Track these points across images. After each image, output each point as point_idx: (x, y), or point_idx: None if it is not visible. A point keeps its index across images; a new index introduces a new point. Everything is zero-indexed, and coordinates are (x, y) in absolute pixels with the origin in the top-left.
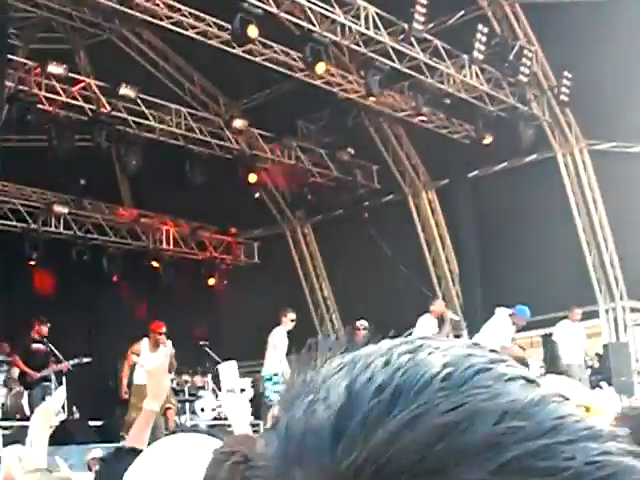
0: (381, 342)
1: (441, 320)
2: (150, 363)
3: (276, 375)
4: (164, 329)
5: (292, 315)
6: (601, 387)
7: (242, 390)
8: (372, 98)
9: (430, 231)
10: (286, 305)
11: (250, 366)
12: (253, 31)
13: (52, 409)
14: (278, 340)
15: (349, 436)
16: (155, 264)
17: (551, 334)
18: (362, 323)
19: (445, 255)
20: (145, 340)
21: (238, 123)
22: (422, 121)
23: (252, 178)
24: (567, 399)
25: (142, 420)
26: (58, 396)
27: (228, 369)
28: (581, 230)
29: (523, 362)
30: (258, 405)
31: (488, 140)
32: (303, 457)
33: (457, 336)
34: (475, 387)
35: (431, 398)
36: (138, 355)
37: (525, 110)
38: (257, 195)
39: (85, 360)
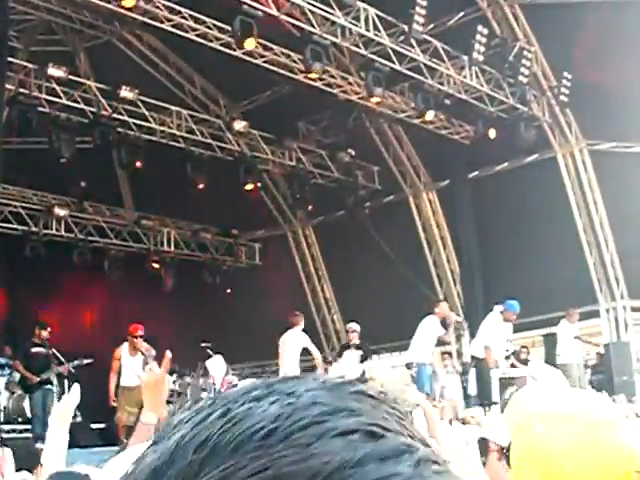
0: (249, 383)
1: (444, 322)
2: (133, 368)
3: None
4: (141, 332)
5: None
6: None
7: (234, 385)
8: (373, 99)
9: (431, 231)
10: (289, 306)
11: (250, 367)
12: (251, 43)
13: (70, 407)
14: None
15: None
16: (156, 266)
17: (554, 334)
18: (351, 326)
19: (446, 255)
20: (125, 344)
21: (239, 125)
22: (422, 122)
23: (249, 186)
24: (415, 448)
25: (138, 434)
26: (74, 394)
27: (216, 364)
28: (582, 230)
29: (523, 360)
30: None
31: (493, 135)
32: None
33: (458, 337)
34: (291, 446)
35: (240, 460)
36: (119, 360)
37: (525, 111)
38: (256, 198)
39: (86, 361)
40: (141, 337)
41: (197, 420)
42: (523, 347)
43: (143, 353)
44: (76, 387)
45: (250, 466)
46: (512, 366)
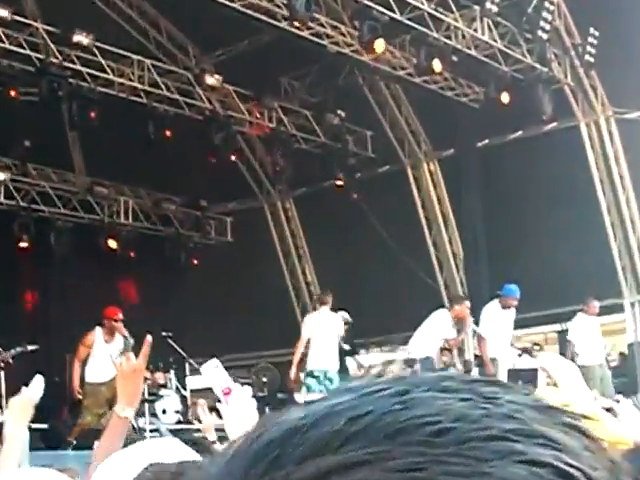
0: (446, 373)
1: (459, 324)
2: (111, 354)
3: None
4: (120, 315)
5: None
6: (618, 400)
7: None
8: (369, 53)
9: (431, 208)
10: (265, 290)
11: (220, 361)
12: None
13: (29, 402)
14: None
15: None
16: (110, 241)
17: (566, 330)
18: (342, 316)
19: (448, 236)
20: (98, 329)
21: (210, 78)
22: (425, 81)
23: (221, 151)
24: None
25: (113, 430)
26: (36, 386)
27: (213, 370)
28: (605, 210)
29: (527, 351)
30: None
31: (506, 99)
32: None
33: (459, 331)
34: (462, 455)
35: (394, 449)
36: (90, 347)
37: (544, 71)
38: (229, 164)
39: (30, 348)
40: (121, 321)
41: (366, 391)
42: (535, 344)
43: (127, 338)
44: (39, 379)
45: (402, 460)
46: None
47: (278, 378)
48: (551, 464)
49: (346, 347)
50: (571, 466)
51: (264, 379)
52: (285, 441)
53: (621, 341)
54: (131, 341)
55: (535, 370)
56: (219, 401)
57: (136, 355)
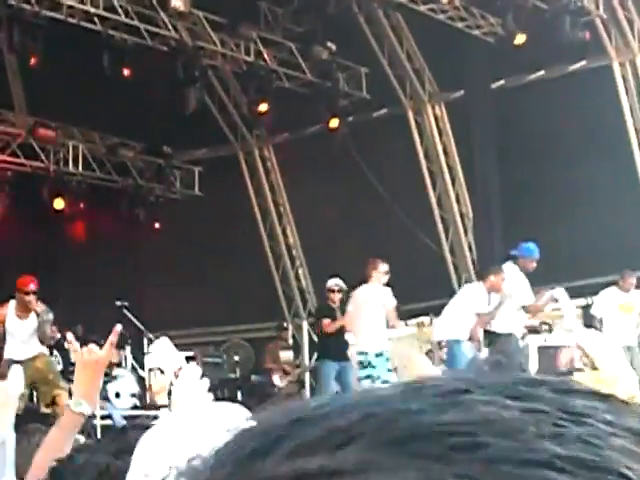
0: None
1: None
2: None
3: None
4: (33, 286)
5: (384, 267)
6: None
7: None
8: None
9: (436, 160)
10: (239, 254)
11: (185, 336)
12: None
13: (10, 392)
14: (374, 303)
15: None
16: (57, 192)
17: (589, 305)
18: (337, 283)
19: (455, 193)
20: (12, 302)
21: (177, 2)
22: (431, 9)
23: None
24: None
25: (65, 426)
26: (14, 377)
27: (164, 348)
28: None
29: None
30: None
31: (521, 39)
32: None
33: None
34: (497, 473)
35: (399, 460)
36: (2, 323)
37: (572, 1)
38: (198, 104)
39: None
40: (34, 294)
41: (418, 386)
42: (543, 323)
43: (38, 315)
44: (17, 370)
45: (400, 474)
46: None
47: (252, 357)
48: None
49: None
50: None
51: (236, 358)
52: (278, 433)
53: None
54: (49, 316)
55: (557, 348)
56: (172, 383)
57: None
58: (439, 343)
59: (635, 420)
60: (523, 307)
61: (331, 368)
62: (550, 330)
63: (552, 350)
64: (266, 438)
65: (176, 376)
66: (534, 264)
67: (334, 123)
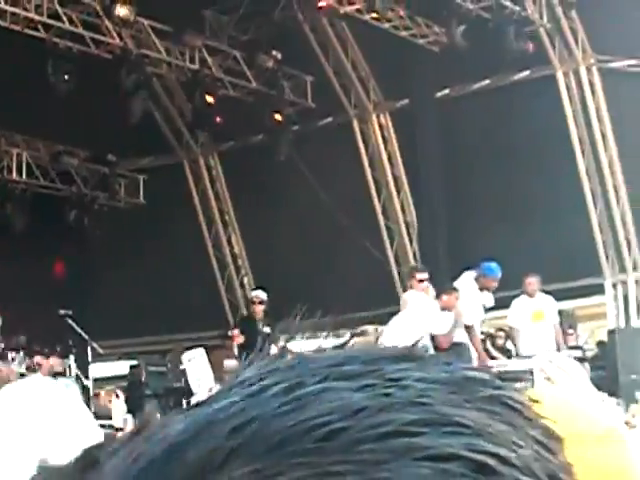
0: (358, 347)
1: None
2: None
3: None
4: None
5: (423, 275)
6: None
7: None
8: None
9: (381, 168)
10: (184, 262)
11: (129, 345)
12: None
13: None
14: (413, 310)
15: None
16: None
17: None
18: (257, 295)
19: (400, 202)
20: None
21: (122, 10)
22: (376, 19)
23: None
24: None
25: None
26: None
27: (200, 358)
28: (584, 173)
29: (500, 347)
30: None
31: (464, 48)
32: None
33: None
34: (353, 460)
35: (278, 462)
36: None
37: (516, 10)
38: (143, 112)
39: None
40: None
41: (253, 389)
42: (500, 330)
43: None
44: None
45: (287, 475)
46: (490, 357)
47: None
48: (460, 455)
49: (266, 330)
50: (485, 453)
51: (181, 367)
52: (163, 464)
53: (600, 327)
54: None
55: (529, 372)
56: (191, 394)
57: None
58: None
59: (436, 369)
60: (466, 327)
61: None
62: (508, 336)
63: (511, 375)
64: (152, 470)
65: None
66: (495, 284)
67: (278, 116)
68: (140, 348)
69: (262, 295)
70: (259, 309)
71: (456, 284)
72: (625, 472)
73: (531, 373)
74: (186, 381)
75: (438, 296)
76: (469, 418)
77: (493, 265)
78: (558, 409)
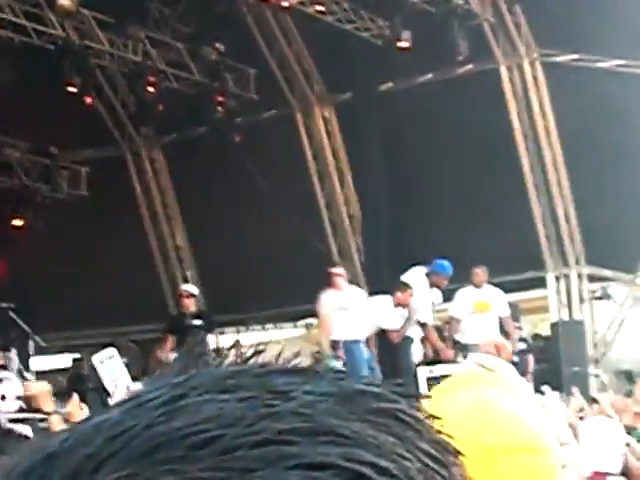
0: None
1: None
2: None
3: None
4: None
5: (337, 270)
6: (542, 392)
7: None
8: None
9: (324, 161)
10: (126, 256)
11: (73, 338)
12: None
13: None
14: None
15: None
16: None
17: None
18: (187, 289)
19: (343, 195)
20: None
21: (65, 1)
22: (319, 12)
23: (76, 87)
24: None
25: None
26: None
27: (108, 360)
28: (527, 168)
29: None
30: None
31: (407, 42)
32: None
33: None
34: (225, 467)
35: (146, 469)
36: None
37: (460, 4)
38: (85, 104)
39: None
40: None
41: (137, 401)
42: (447, 323)
43: None
44: None
45: (168, 478)
46: (435, 352)
47: (140, 360)
48: (335, 464)
49: (196, 323)
50: (363, 463)
51: (124, 360)
52: (39, 471)
53: (543, 320)
54: None
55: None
56: (108, 395)
57: None
58: (336, 342)
59: (327, 383)
60: (421, 324)
61: None
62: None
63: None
64: (29, 477)
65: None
66: (446, 282)
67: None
68: (82, 341)
69: (192, 289)
70: (188, 302)
71: (405, 278)
72: None
73: None
74: (100, 382)
75: (392, 293)
76: (350, 429)
77: (445, 263)
78: (484, 417)
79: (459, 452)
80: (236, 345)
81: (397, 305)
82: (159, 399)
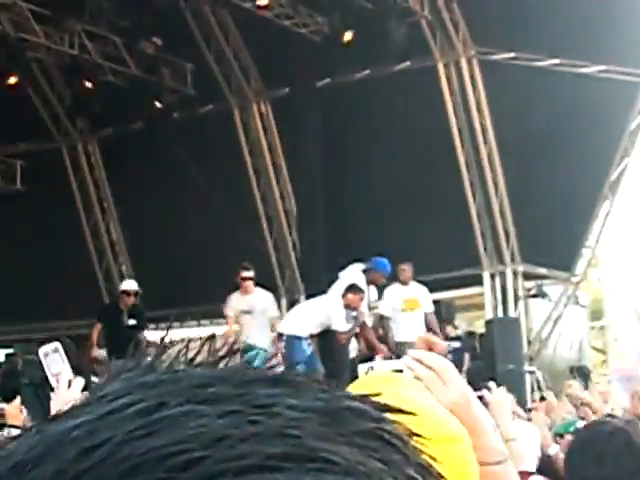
0: (233, 365)
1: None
2: None
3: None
4: None
5: (248, 272)
6: (488, 388)
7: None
8: None
9: (261, 156)
10: (60, 251)
11: (6, 332)
12: None
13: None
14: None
15: None
16: None
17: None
18: (133, 288)
19: (280, 191)
20: None
21: None
22: (258, 6)
23: (11, 79)
24: None
25: None
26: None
27: (52, 353)
28: (463, 165)
29: (382, 337)
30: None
31: (348, 36)
32: None
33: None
34: None
35: None
36: None
37: (398, 1)
38: (20, 97)
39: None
40: None
41: (111, 407)
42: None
43: None
44: None
45: None
46: (369, 348)
47: (75, 355)
48: None
49: (130, 322)
50: None
51: (39, 360)
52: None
53: (478, 318)
54: None
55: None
56: (52, 389)
57: None
58: (280, 335)
59: (310, 396)
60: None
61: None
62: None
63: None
64: None
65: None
66: (384, 280)
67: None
68: (17, 336)
69: (135, 287)
70: (129, 300)
71: (343, 274)
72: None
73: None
74: (42, 375)
75: (344, 295)
76: (340, 454)
77: (385, 261)
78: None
79: (441, 475)
80: (210, 339)
81: (347, 307)
82: (135, 406)
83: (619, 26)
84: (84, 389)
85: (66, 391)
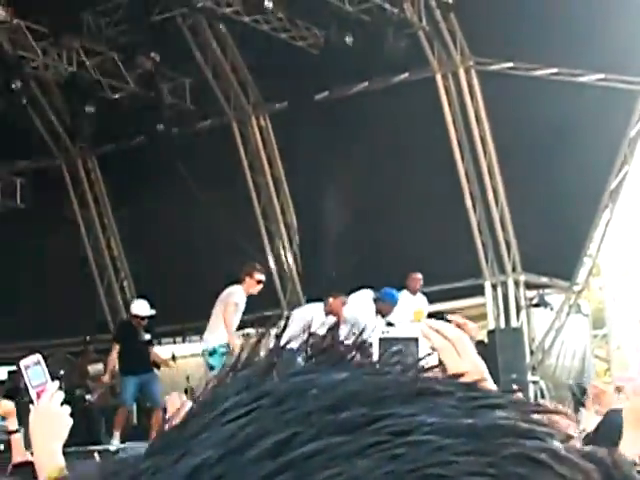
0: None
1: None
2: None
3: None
4: None
5: (260, 276)
6: None
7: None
8: None
9: (261, 170)
10: (62, 268)
11: (6, 350)
12: None
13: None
14: (234, 303)
15: None
16: None
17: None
18: (143, 312)
19: (280, 204)
20: None
21: None
22: (255, 20)
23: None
24: None
25: None
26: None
27: (33, 365)
28: (463, 176)
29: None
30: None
31: (349, 39)
32: None
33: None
34: None
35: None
36: None
37: (395, 13)
38: (19, 114)
39: None
40: None
41: (234, 446)
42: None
43: None
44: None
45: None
46: None
47: (77, 372)
48: None
49: (146, 337)
50: None
51: (61, 372)
52: None
53: (480, 328)
54: None
55: (414, 339)
56: (31, 402)
57: None
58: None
59: (449, 411)
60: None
61: (130, 382)
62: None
63: (394, 342)
64: None
65: (38, 394)
66: (391, 312)
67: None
68: (16, 353)
69: (148, 312)
70: (143, 322)
71: (352, 299)
72: None
73: (416, 340)
74: (26, 388)
75: (325, 300)
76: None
77: (395, 292)
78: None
79: None
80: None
81: (328, 313)
82: (262, 441)
83: (616, 34)
84: (64, 402)
85: (47, 403)
